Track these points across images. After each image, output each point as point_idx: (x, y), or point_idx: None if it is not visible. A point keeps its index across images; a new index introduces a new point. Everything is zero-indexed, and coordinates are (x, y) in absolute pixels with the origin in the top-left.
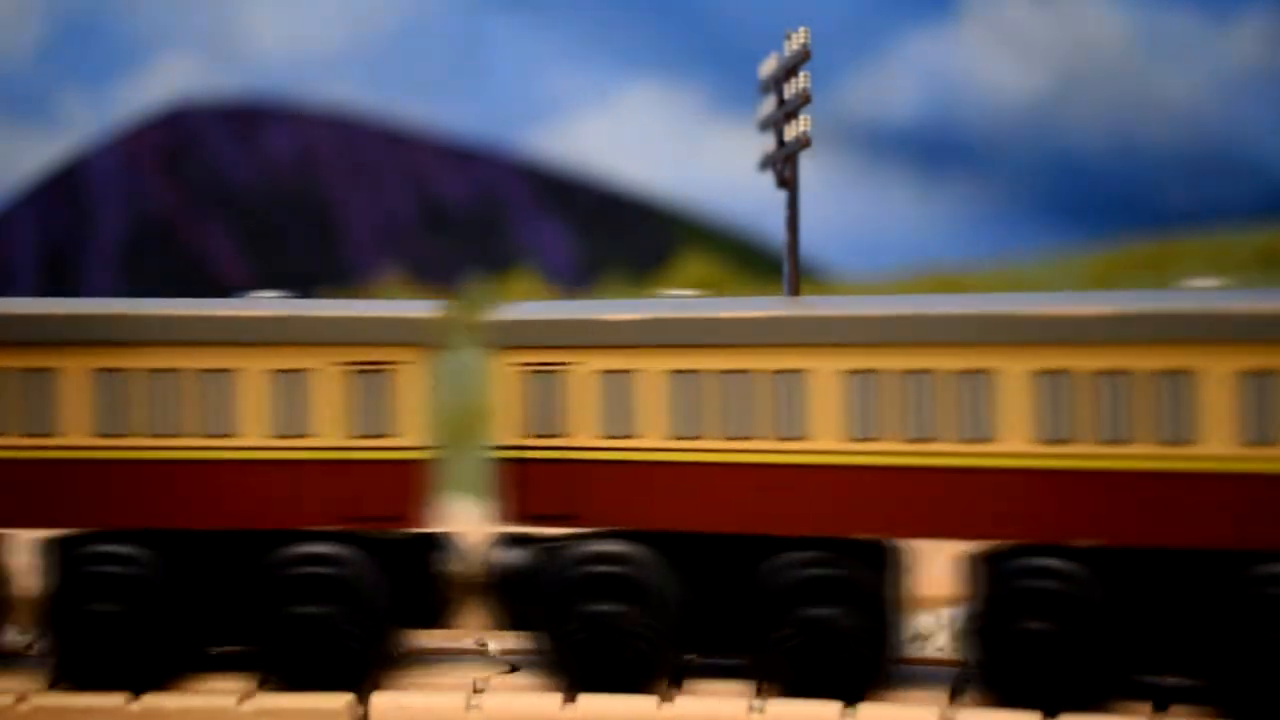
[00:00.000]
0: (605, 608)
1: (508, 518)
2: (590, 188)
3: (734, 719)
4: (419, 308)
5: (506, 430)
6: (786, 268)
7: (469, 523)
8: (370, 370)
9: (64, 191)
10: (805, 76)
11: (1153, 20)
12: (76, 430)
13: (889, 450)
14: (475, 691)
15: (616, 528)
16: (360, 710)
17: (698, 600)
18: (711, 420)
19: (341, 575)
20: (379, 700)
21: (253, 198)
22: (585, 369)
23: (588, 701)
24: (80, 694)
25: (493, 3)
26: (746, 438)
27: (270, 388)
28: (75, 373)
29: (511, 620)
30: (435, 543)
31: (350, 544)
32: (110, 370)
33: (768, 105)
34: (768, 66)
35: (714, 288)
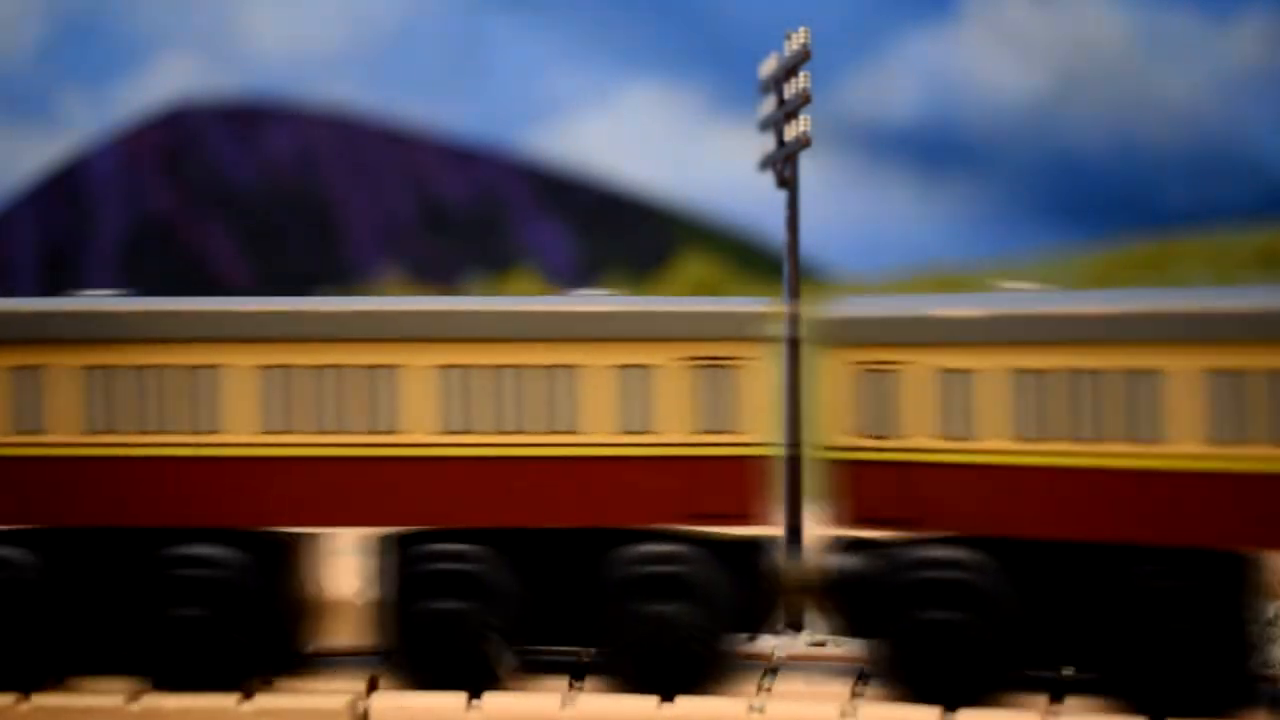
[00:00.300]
0: (945, 615)
1: (842, 521)
2: (590, 188)
3: (734, 719)
4: (763, 302)
5: (839, 430)
6: (786, 268)
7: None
8: (715, 365)
9: (64, 191)
10: (805, 76)
11: (1153, 20)
12: (420, 428)
13: (1255, 456)
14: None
15: (955, 533)
16: (360, 710)
17: (1037, 609)
18: (1057, 422)
19: (683, 574)
20: (379, 700)
21: (253, 198)
22: (922, 367)
23: (587, 701)
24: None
25: (493, 3)
26: (1093, 440)
27: (614, 383)
28: (420, 370)
29: (846, 625)
30: (769, 543)
31: (689, 543)
32: (455, 367)
33: (768, 105)
34: (768, 66)
35: (713, 288)
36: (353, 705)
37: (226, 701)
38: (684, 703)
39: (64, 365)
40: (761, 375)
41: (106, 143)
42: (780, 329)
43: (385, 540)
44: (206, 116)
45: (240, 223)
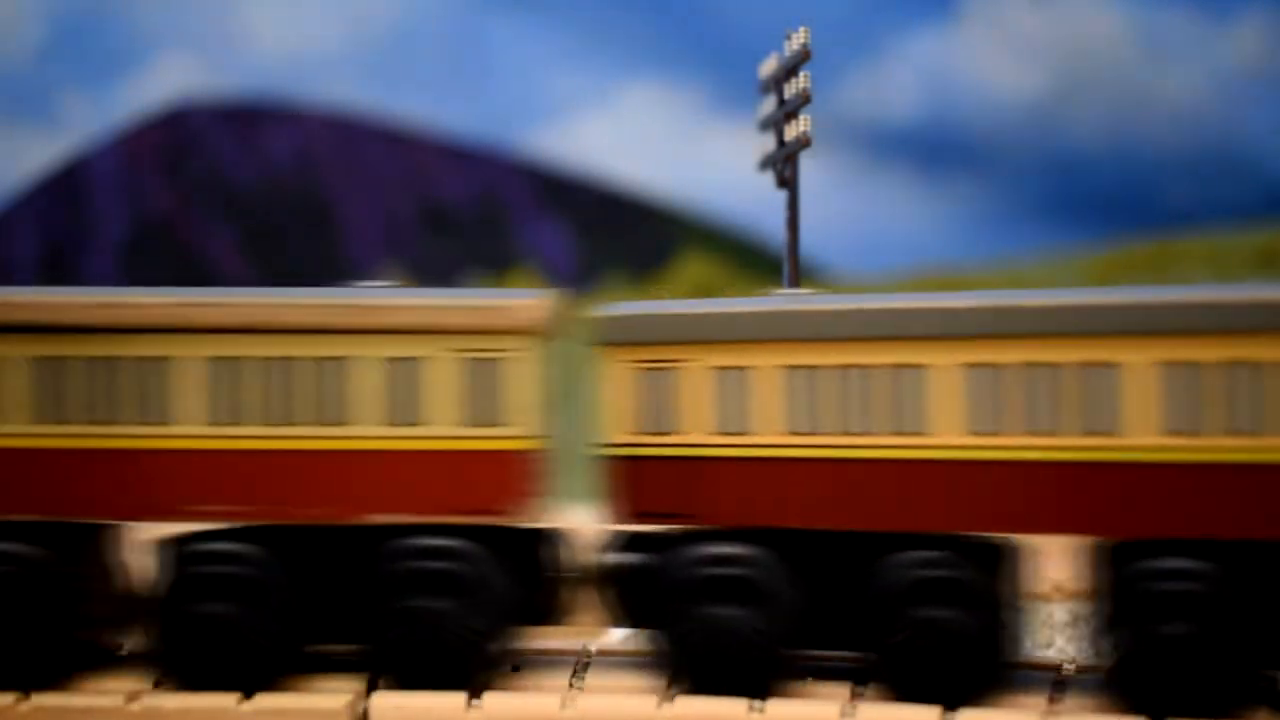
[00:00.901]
0: None
1: None
2: (590, 188)
3: (734, 719)
4: None
5: None
6: (786, 268)
7: None
8: None
9: (64, 191)
10: (805, 76)
11: (1153, 20)
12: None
13: None
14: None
15: None
16: (360, 710)
17: None
18: None
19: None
20: (378, 700)
21: (253, 198)
22: None
23: (587, 701)
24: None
25: (493, 3)
26: None
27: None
28: (1141, 367)
29: None
30: None
31: None
32: (1180, 364)
33: (768, 105)
34: (768, 66)
35: (713, 288)
36: (353, 705)
37: (226, 701)
38: (684, 703)
39: (769, 365)
40: None
41: (106, 143)
42: None
43: (1098, 550)
44: (206, 116)
45: (240, 223)
